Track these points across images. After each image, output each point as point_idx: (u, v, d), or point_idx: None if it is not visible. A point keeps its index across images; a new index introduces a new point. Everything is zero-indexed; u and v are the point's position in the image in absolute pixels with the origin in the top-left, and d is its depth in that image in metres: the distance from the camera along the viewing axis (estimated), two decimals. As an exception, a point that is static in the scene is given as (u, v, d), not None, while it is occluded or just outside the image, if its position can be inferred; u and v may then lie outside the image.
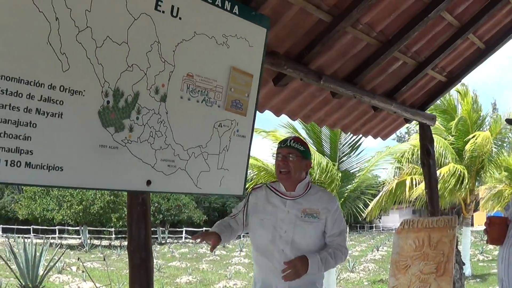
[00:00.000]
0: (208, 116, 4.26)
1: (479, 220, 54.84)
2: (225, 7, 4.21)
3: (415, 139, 21.90)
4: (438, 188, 9.83)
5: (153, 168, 3.87)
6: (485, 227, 4.14)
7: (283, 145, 4.35)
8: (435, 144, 9.37)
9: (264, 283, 4.35)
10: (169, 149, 3.96)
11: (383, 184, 24.50)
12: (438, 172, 18.06)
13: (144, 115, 3.75)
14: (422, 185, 20.16)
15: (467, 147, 21.32)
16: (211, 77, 4.21)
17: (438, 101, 18.32)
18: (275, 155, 4.43)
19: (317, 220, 4.32)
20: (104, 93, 3.48)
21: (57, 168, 3.26)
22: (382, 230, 78.69)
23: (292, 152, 4.29)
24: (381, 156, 21.94)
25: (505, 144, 24.22)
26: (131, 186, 3.85)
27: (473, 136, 21.23)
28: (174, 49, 3.89)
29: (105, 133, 3.52)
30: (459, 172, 20.93)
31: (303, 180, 4.38)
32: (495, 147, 22.44)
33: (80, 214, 47.85)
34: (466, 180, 21.20)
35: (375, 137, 8.28)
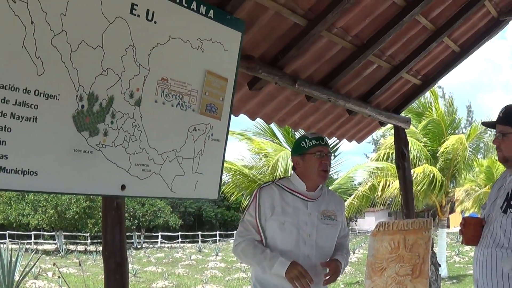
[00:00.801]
0: (183, 120, 4.24)
1: (455, 222, 55.34)
2: (200, 11, 4.20)
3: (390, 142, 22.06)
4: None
5: (128, 172, 3.84)
6: (460, 228, 4.18)
7: (323, 142, 4.13)
8: (409, 146, 9.43)
9: None
10: (144, 154, 3.94)
11: (360, 185, 24.67)
12: (412, 171, 18.25)
13: (118, 119, 3.72)
14: (395, 185, 20.37)
15: (440, 149, 21.51)
16: (186, 81, 4.19)
17: (414, 104, 18.49)
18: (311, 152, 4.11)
19: (335, 222, 4.20)
20: (79, 97, 3.45)
21: (31, 173, 3.23)
22: (358, 233, 78.88)
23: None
24: (360, 166, 22.21)
25: (480, 147, 24.49)
26: (105, 191, 3.83)
27: (445, 140, 21.44)
28: (149, 53, 3.87)
29: (79, 138, 3.49)
30: (432, 174, 21.07)
31: None
32: (470, 151, 22.64)
33: (53, 219, 47.58)
34: (440, 182, 21.33)
35: (349, 140, 8.31)
